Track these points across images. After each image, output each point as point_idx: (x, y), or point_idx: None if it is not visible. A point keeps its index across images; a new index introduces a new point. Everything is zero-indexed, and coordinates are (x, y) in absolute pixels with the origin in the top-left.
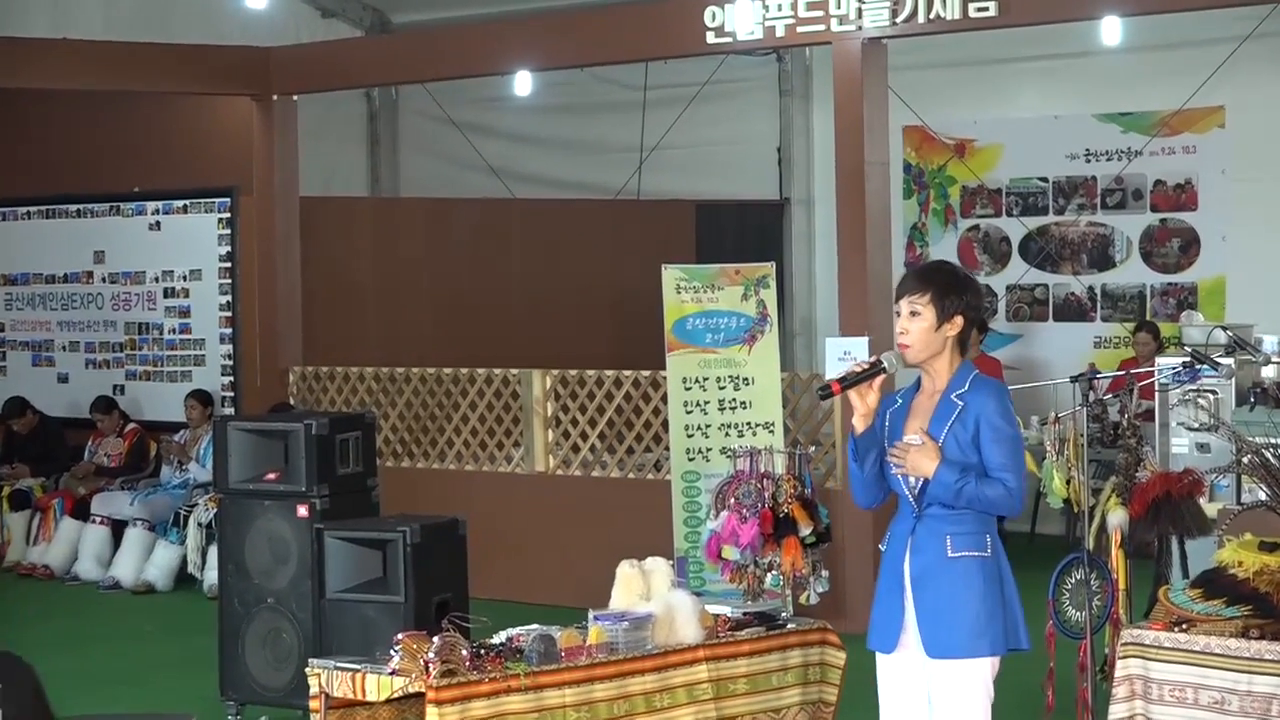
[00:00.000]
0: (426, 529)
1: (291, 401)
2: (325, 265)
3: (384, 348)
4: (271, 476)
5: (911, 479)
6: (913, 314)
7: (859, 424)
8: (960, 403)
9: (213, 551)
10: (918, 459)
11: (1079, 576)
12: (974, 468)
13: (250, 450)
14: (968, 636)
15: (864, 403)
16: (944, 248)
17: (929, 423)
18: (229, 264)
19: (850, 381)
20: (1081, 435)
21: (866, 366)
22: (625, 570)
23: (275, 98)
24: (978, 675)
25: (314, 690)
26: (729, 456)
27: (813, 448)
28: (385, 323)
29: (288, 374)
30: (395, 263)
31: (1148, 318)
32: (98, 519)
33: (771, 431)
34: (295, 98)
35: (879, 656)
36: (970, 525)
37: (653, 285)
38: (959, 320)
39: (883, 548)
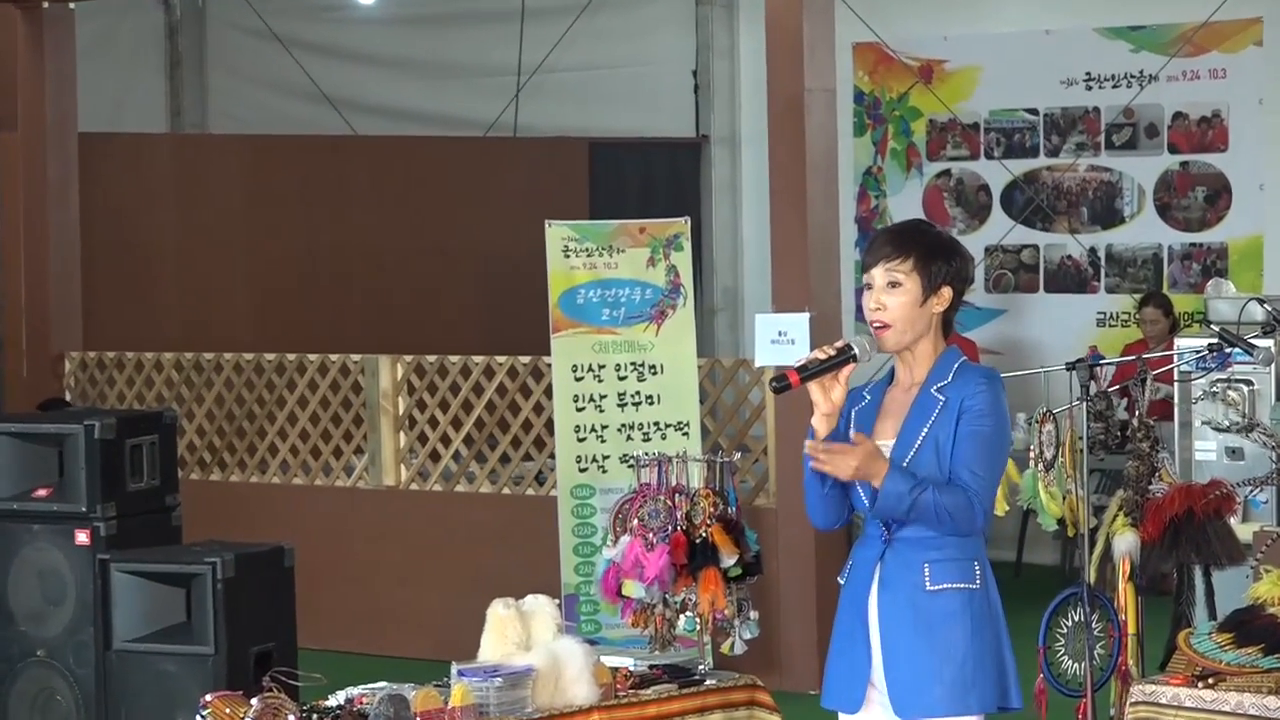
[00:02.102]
0: (243, 560)
1: (68, 397)
2: (112, 222)
3: (188, 328)
4: (41, 493)
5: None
6: (891, 285)
7: (821, 426)
8: (941, 397)
9: None
10: (839, 460)
11: (1077, 617)
12: (935, 478)
13: (13, 459)
14: (950, 691)
15: (827, 399)
16: (906, 198)
17: (902, 423)
18: None
19: (812, 371)
20: (1080, 438)
21: (833, 353)
22: (498, 612)
23: (45, 5)
24: None
25: None
26: (631, 466)
27: (738, 454)
28: (190, 296)
29: (62, 361)
30: (203, 219)
31: (1164, 288)
32: None
33: (686, 434)
34: (72, 5)
35: (840, 719)
36: (954, 549)
37: (534, 247)
38: (947, 293)
39: (842, 580)
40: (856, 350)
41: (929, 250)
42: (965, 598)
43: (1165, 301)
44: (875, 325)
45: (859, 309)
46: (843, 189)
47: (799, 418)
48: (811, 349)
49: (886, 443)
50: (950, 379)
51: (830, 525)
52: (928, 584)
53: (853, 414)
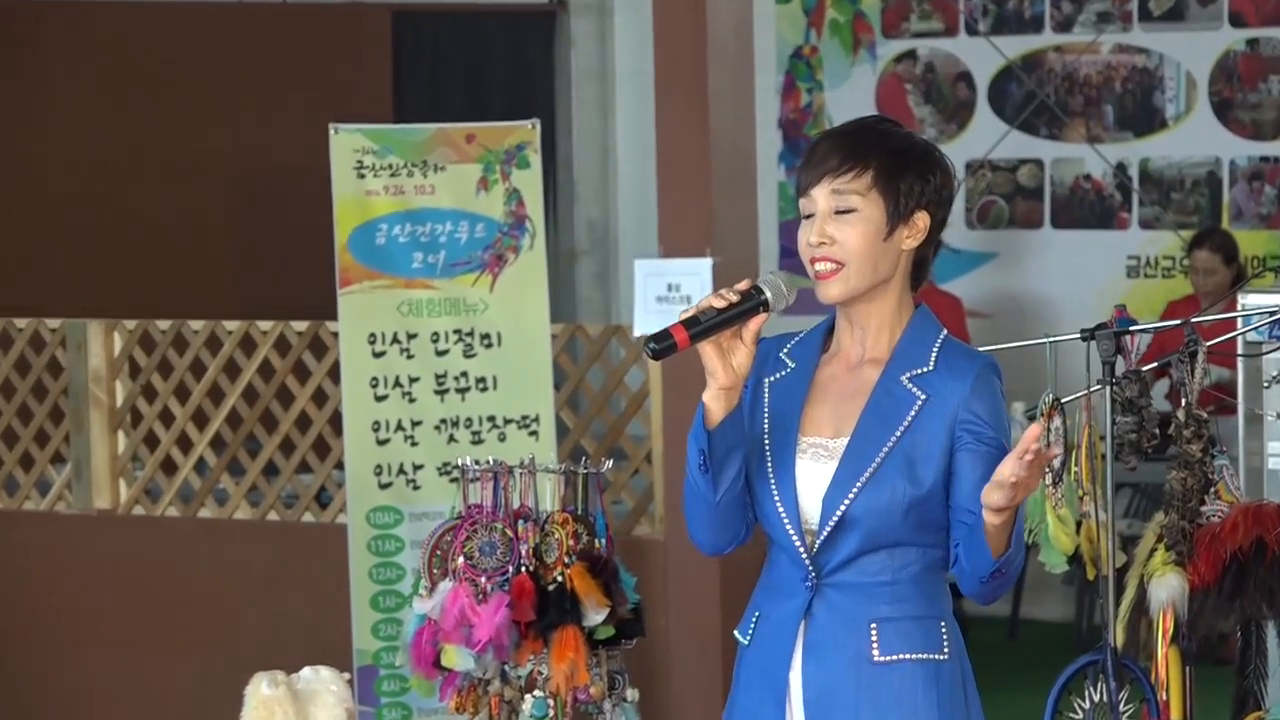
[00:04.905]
0: None
1: None
2: None
3: None
4: None
5: (810, 514)
6: (840, 212)
7: (716, 405)
8: (920, 394)
9: None
10: (1036, 477)
11: (1098, 696)
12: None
13: None
14: None
15: (726, 367)
16: (852, 92)
17: (857, 421)
18: None
19: (707, 325)
20: (1103, 438)
21: (735, 299)
22: (262, 691)
23: None
24: None
25: None
26: (455, 480)
27: (610, 463)
28: None
29: None
30: None
31: (1224, 222)
32: None
33: (535, 433)
34: None
35: None
36: (916, 602)
37: (313, 162)
38: (921, 221)
39: (744, 640)
40: (769, 294)
41: (896, 158)
42: (929, 673)
43: (1227, 242)
44: (820, 267)
45: (786, 251)
46: (760, 79)
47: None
48: None
49: (823, 440)
50: (933, 366)
51: (721, 548)
52: (876, 653)
53: (766, 384)
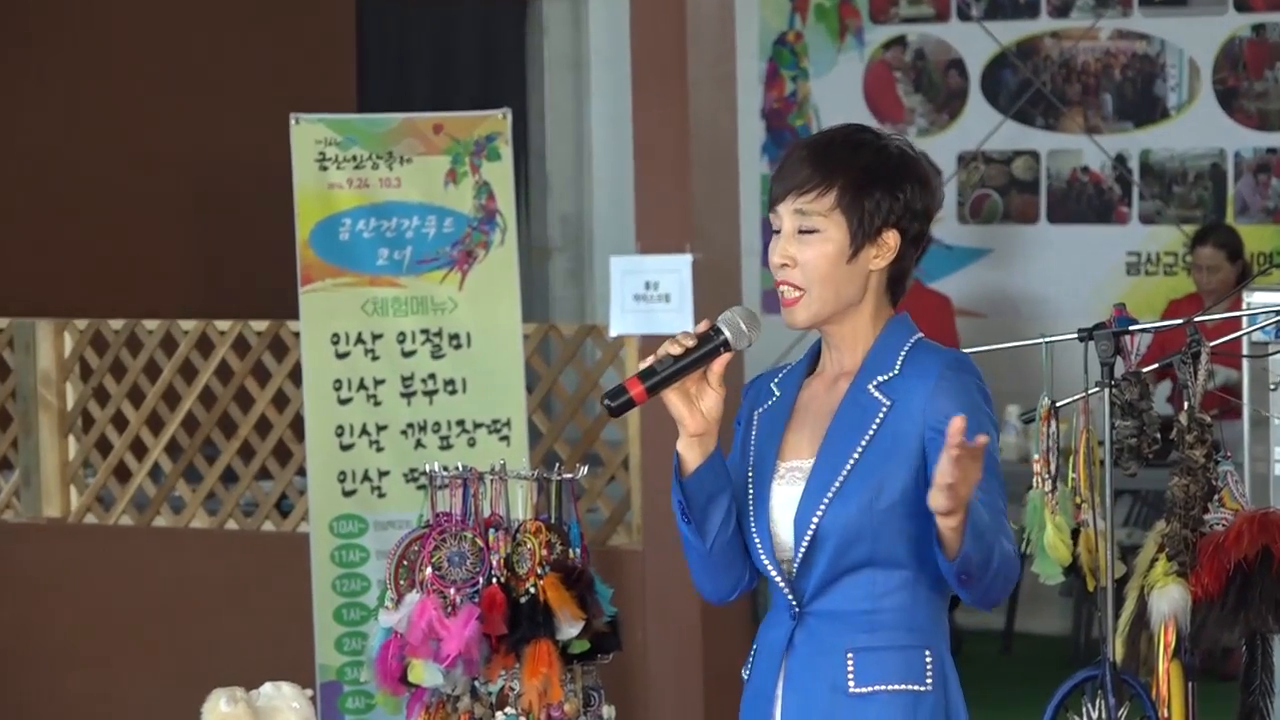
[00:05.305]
0: None
1: None
2: None
3: None
4: None
5: (785, 538)
6: (803, 232)
7: (690, 454)
8: (885, 400)
9: None
10: (975, 470)
11: (1096, 713)
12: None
13: None
14: None
15: (694, 413)
16: (839, 80)
17: (824, 434)
18: None
19: (665, 374)
20: (1101, 443)
21: (692, 344)
22: (221, 709)
23: None
24: None
25: None
26: (423, 487)
27: (585, 469)
28: None
29: None
30: None
31: (1229, 216)
32: None
33: (506, 438)
34: None
35: None
36: (895, 633)
37: (274, 153)
38: (891, 240)
39: (746, 674)
40: (728, 333)
41: (863, 175)
42: (907, 705)
43: (1232, 238)
44: (783, 291)
45: (768, 248)
46: (742, 66)
47: None
48: (695, 305)
49: (800, 462)
50: (898, 370)
51: (725, 596)
52: (851, 684)
53: (755, 417)
